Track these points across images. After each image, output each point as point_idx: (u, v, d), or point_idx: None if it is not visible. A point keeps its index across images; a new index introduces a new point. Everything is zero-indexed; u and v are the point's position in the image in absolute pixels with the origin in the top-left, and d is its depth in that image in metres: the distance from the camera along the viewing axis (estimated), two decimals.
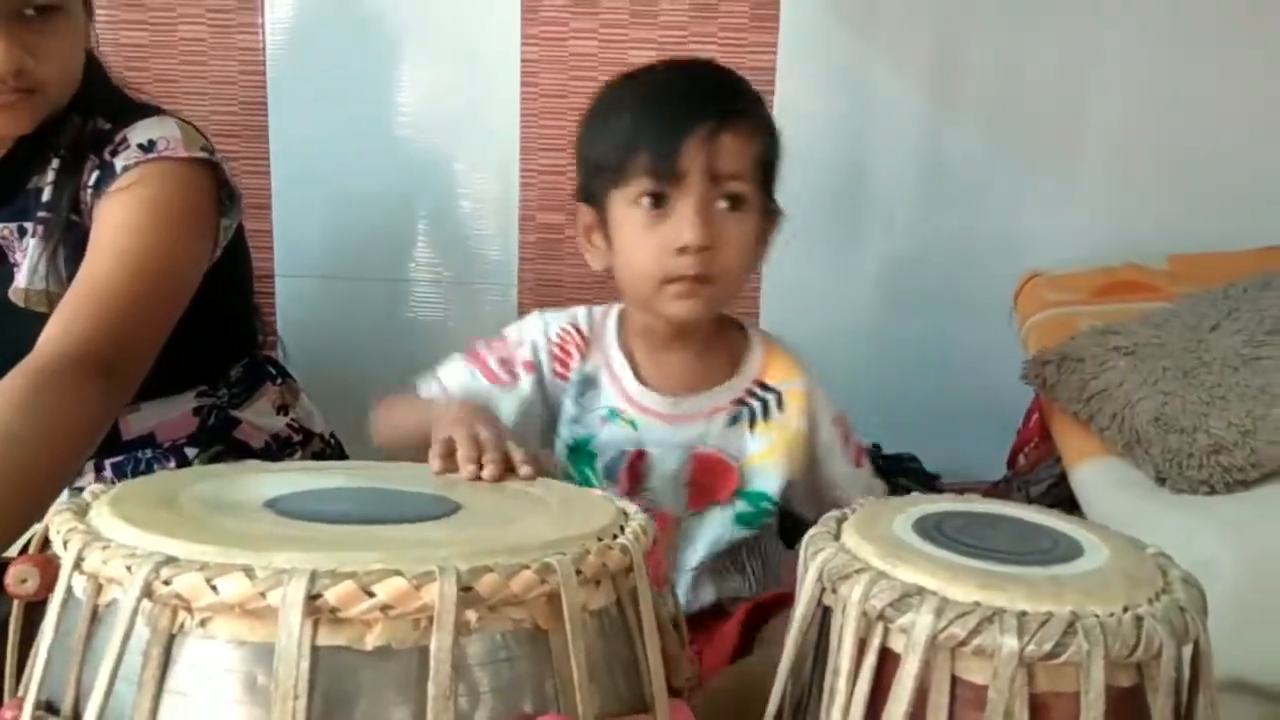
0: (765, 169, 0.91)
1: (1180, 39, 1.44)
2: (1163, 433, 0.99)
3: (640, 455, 0.94)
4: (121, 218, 0.94)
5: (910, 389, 1.53)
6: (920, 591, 0.54)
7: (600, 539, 0.57)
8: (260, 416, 1.16)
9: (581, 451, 0.95)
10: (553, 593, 0.52)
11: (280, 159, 1.54)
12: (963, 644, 0.52)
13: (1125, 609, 0.53)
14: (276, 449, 1.15)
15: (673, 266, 0.87)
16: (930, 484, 1.44)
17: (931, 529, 0.61)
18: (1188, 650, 0.55)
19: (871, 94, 1.50)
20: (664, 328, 0.94)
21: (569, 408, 0.95)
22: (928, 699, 0.53)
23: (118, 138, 0.98)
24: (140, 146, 0.97)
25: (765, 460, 0.95)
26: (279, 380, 1.20)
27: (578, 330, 0.96)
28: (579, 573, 0.53)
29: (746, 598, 0.95)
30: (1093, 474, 1.04)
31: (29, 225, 0.99)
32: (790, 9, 1.45)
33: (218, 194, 1.01)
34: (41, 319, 0.91)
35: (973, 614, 0.52)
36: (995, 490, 1.28)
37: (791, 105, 1.45)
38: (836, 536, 0.61)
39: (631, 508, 0.66)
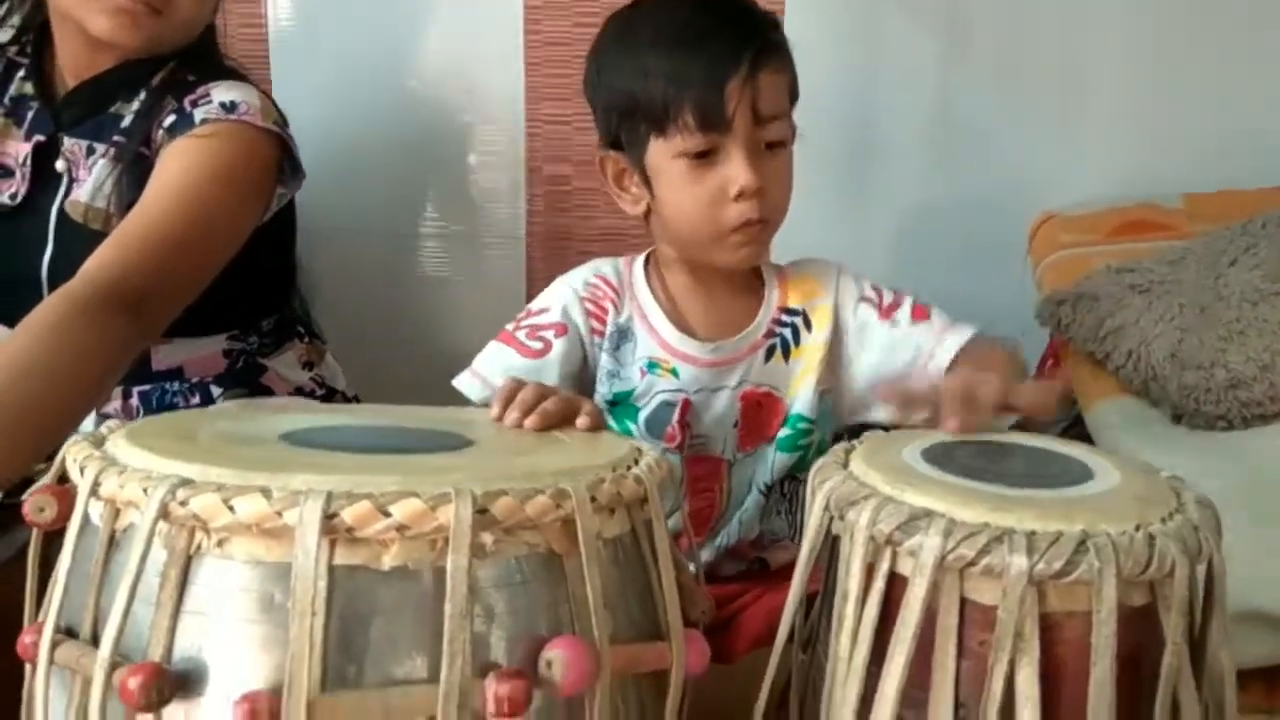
0: (793, 96, 0.90)
1: None
2: (1179, 369, 0.98)
3: (687, 404, 0.92)
4: (187, 163, 0.96)
5: None
6: (928, 514, 0.54)
7: (615, 469, 0.58)
8: (287, 368, 1.17)
9: (623, 405, 0.93)
10: (567, 518, 0.52)
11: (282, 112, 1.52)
12: (971, 564, 0.52)
13: (1137, 527, 0.53)
14: None
15: (730, 213, 0.86)
16: None
17: (940, 456, 0.61)
18: (1201, 569, 0.55)
19: (880, 39, 1.48)
20: (704, 271, 0.93)
21: (605, 362, 0.93)
22: (936, 621, 0.53)
23: (200, 90, 1.01)
24: (223, 105, 0.99)
25: (801, 382, 0.94)
26: (306, 339, 1.21)
27: (607, 283, 0.95)
28: (593, 500, 0.54)
29: (785, 541, 0.94)
30: (1109, 413, 1.03)
31: (100, 146, 1.02)
32: None
33: (281, 165, 1.04)
34: (92, 236, 0.94)
35: (981, 534, 0.52)
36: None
37: (798, 50, 1.43)
38: (844, 465, 0.61)
39: (645, 444, 0.66)
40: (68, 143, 1.02)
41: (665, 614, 0.58)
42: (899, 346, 0.92)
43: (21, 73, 1.05)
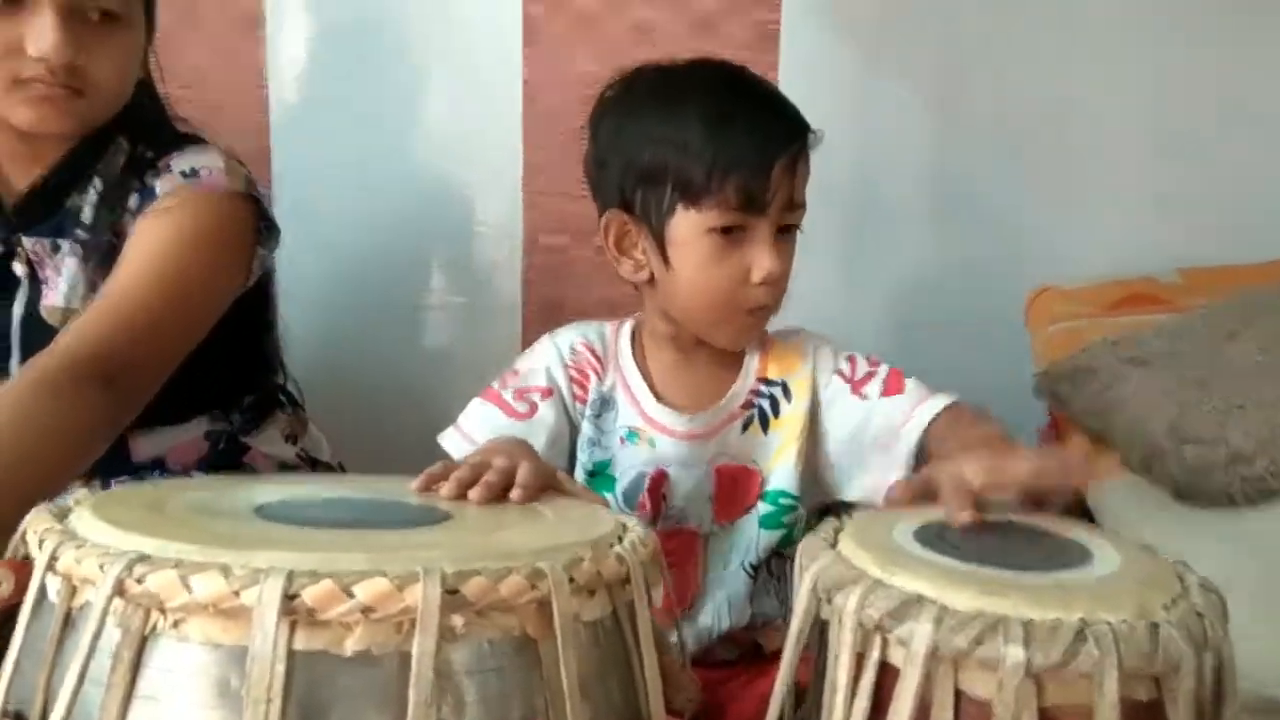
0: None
1: (1186, 55, 1.43)
2: (1179, 443, 0.96)
3: (661, 475, 0.91)
4: (154, 237, 0.95)
5: None
6: (919, 600, 0.51)
7: (595, 547, 0.56)
8: (270, 444, 1.15)
9: (601, 476, 0.92)
10: (543, 599, 0.50)
11: (282, 185, 1.54)
12: (965, 655, 0.49)
13: (1140, 615, 0.51)
14: None
15: (749, 296, 0.87)
16: None
17: (933, 537, 0.59)
18: (1209, 660, 0.52)
19: (875, 114, 1.49)
20: (692, 344, 0.93)
21: (587, 430, 0.92)
22: (930, 716, 0.51)
23: (161, 164, 0.99)
24: (183, 174, 0.98)
25: (781, 456, 0.92)
26: (289, 409, 1.19)
27: (590, 349, 0.94)
28: (571, 580, 0.52)
29: (778, 621, 0.92)
30: (1110, 492, 1.01)
31: (64, 243, 0.99)
32: (791, 29, 1.44)
33: (256, 226, 1.02)
34: None
35: (975, 622, 0.49)
36: None
37: None
38: (833, 545, 0.59)
39: (631, 520, 0.64)
40: (28, 243, 0.99)
41: (647, 702, 0.56)
42: (869, 422, 0.90)
43: None
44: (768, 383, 0.94)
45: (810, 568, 0.57)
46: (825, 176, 1.45)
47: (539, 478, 0.68)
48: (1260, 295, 1.13)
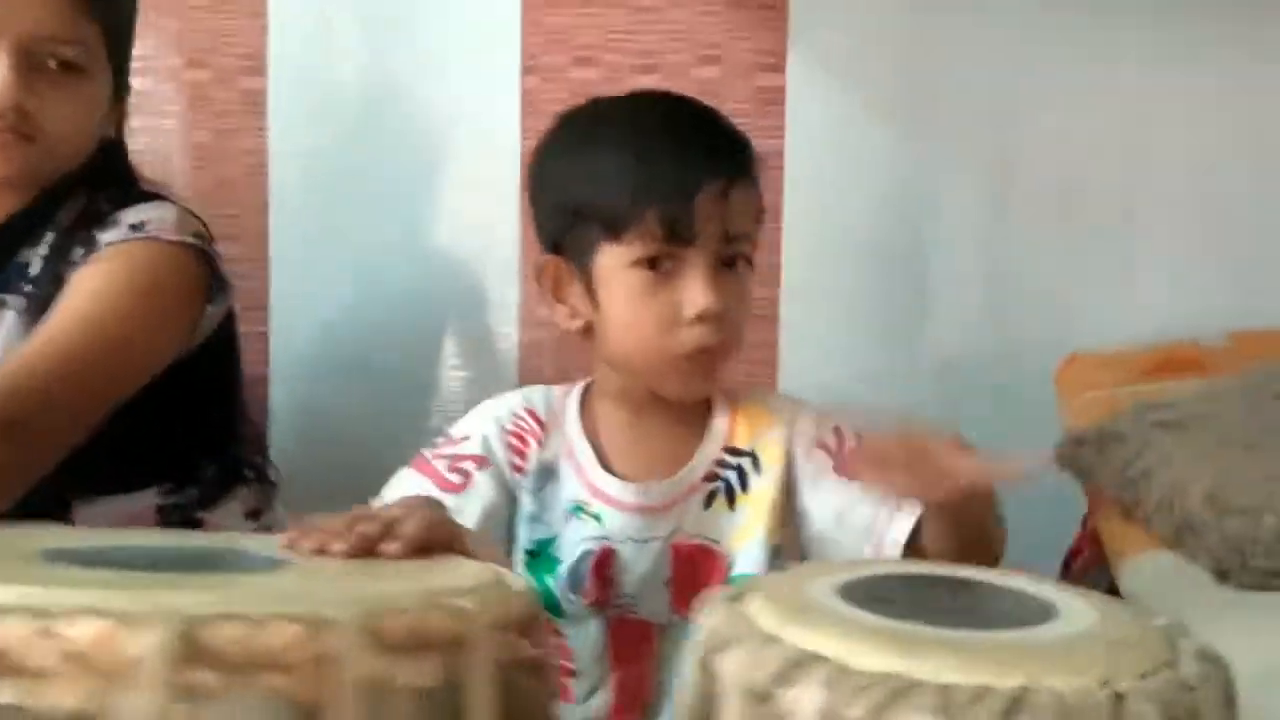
0: (760, 219, 0.83)
1: (1235, 113, 1.33)
2: (1219, 516, 0.82)
3: (608, 553, 0.80)
4: (87, 286, 0.90)
5: None
6: (814, 658, 0.40)
7: (427, 597, 0.45)
8: (228, 519, 1.07)
9: (542, 556, 0.82)
10: (327, 656, 0.40)
11: (279, 261, 1.51)
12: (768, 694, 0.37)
13: (1103, 684, 0.38)
14: None
15: (684, 337, 0.77)
16: None
17: (860, 590, 0.47)
18: None
19: (920, 176, 1.40)
20: (645, 402, 0.83)
21: (526, 504, 0.82)
22: None
23: (111, 217, 0.95)
24: (131, 226, 0.94)
25: (748, 535, 0.81)
26: (255, 481, 1.12)
27: (532, 414, 0.85)
28: (375, 633, 0.41)
29: None
30: (1140, 571, 0.87)
31: (9, 297, 0.95)
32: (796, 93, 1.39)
33: (207, 281, 0.97)
34: None
35: (877, 686, 0.38)
36: None
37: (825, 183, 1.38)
38: (739, 599, 0.48)
39: (513, 576, 0.54)
40: None
41: None
42: (855, 507, 0.79)
43: None
44: (735, 452, 0.83)
45: (705, 625, 0.46)
46: (865, 248, 1.42)
47: (429, 532, 0.58)
48: None
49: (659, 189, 0.76)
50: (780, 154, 1.40)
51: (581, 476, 0.82)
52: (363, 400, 1.51)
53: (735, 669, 0.41)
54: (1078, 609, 0.46)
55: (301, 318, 1.51)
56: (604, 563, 0.80)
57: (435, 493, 0.80)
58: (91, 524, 0.96)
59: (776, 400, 0.87)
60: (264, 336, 1.50)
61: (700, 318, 0.76)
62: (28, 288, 0.94)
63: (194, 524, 1.03)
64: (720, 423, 0.84)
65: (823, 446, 0.82)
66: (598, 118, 0.84)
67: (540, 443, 0.83)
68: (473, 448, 0.83)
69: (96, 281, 0.90)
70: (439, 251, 1.50)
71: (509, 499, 0.82)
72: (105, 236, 0.93)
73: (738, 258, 0.79)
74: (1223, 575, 0.81)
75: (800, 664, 0.39)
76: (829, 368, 1.41)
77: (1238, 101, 1.32)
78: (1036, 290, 1.37)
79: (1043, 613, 0.45)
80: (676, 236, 0.76)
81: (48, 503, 0.88)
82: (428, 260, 1.49)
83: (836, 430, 0.83)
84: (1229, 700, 0.42)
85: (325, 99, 1.49)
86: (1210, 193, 1.34)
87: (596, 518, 0.81)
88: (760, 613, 0.45)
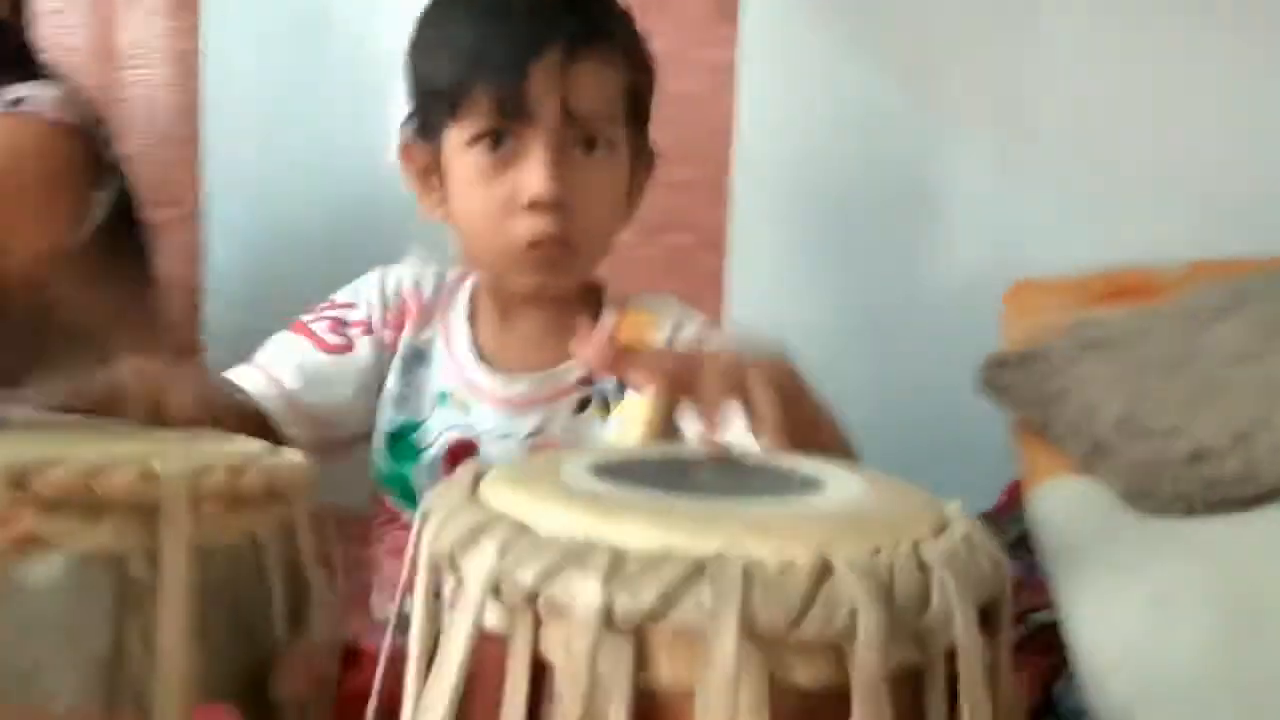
0: (635, 102, 0.76)
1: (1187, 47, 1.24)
2: (1129, 438, 0.75)
3: (466, 446, 0.77)
4: None
5: (886, 431, 1.31)
6: (499, 520, 0.35)
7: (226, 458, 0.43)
8: None
9: (403, 442, 0.78)
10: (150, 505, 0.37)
11: (213, 164, 1.47)
12: (531, 598, 0.32)
13: (817, 555, 0.33)
14: None
15: (521, 226, 0.72)
16: None
17: (614, 466, 0.42)
18: (941, 646, 0.34)
19: (846, 88, 1.33)
20: (510, 294, 0.78)
21: (392, 386, 0.79)
22: (497, 688, 0.33)
23: None
24: (9, 102, 0.91)
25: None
26: None
27: (416, 294, 0.81)
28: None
29: None
30: (1048, 497, 0.80)
31: None
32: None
33: (89, 164, 0.94)
34: None
35: (552, 548, 0.32)
36: None
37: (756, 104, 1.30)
38: (472, 491, 0.42)
39: (290, 452, 0.50)
40: None
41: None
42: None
43: None
44: None
45: (430, 523, 0.40)
46: (782, 159, 1.35)
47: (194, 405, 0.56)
48: (1269, 276, 0.91)
49: (489, 59, 0.70)
50: (731, 67, 1.33)
51: (454, 363, 0.79)
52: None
53: (429, 538, 0.36)
54: (849, 485, 0.40)
55: (235, 223, 1.48)
56: (462, 454, 0.76)
57: (313, 355, 0.77)
58: None
59: (666, 306, 0.82)
60: (193, 246, 1.46)
61: (534, 204, 0.70)
62: None
63: None
64: (606, 326, 0.79)
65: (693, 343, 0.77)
66: None
67: (416, 324, 0.80)
68: (358, 314, 0.80)
69: None
70: (376, 170, 1.45)
71: (381, 373, 0.79)
72: None
73: (596, 140, 0.73)
74: (1132, 500, 0.74)
75: (485, 527, 0.34)
76: (778, 300, 1.35)
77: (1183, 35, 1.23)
78: (987, 222, 1.30)
79: (804, 486, 0.40)
80: (509, 113, 0.70)
81: None
82: (367, 175, 1.45)
83: (710, 327, 0.78)
84: (993, 582, 0.36)
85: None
86: (1169, 110, 1.25)
87: (464, 407, 0.77)
88: (488, 484, 0.40)
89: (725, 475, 0.42)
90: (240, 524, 0.44)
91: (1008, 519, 0.98)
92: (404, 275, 0.82)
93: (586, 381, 0.78)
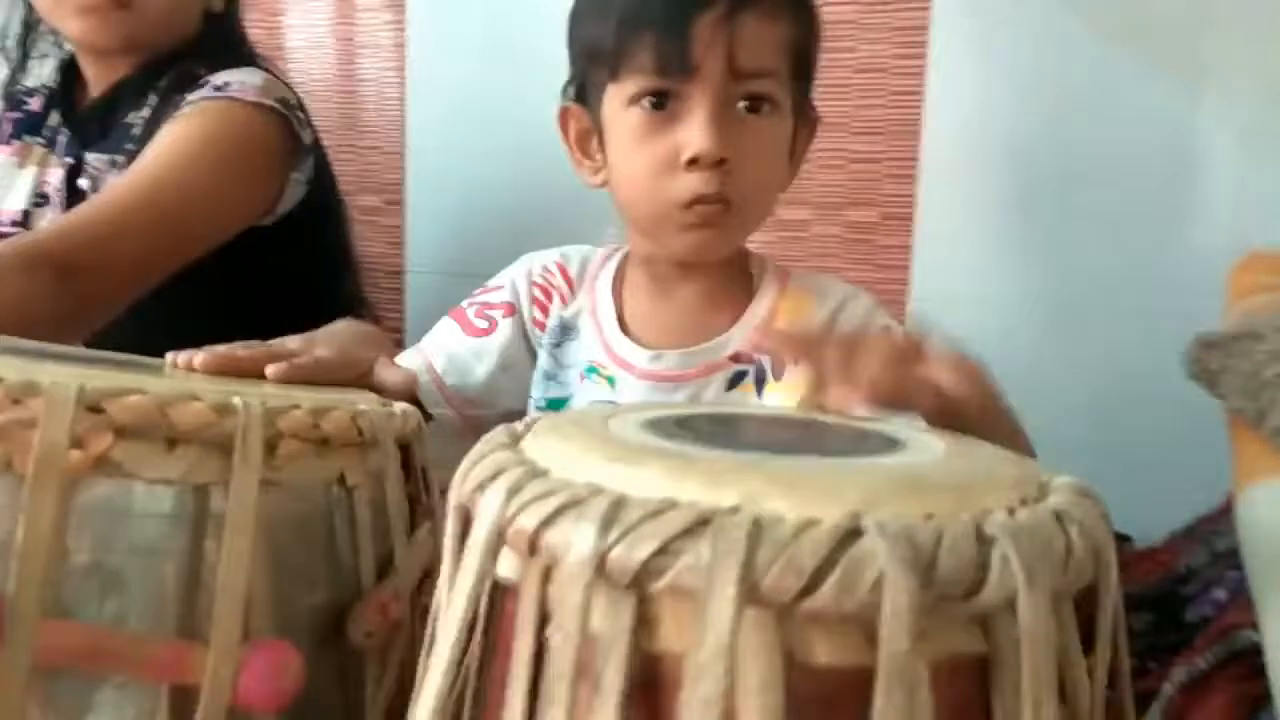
0: (799, 59, 0.73)
1: None
2: None
3: None
4: (160, 142, 0.94)
5: (1094, 422, 1.19)
6: (514, 464, 0.33)
7: (318, 404, 0.45)
8: None
9: None
10: (226, 439, 0.40)
11: (417, 154, 1.54)
12: (533, 545, 0.30)
13: (852, 517, 0.28)
14: None
15: (681, 184, 0.69)
16: (1118, 545, 1.09)
17: (670, 422, 0.39)
18: (1013, 636, 0.28)
19: (1051, 59, 1.21)
20: (666, 262, 0.77)
21: (544, 361, 0.80)
22: (511, 640, 0.31)
23: (202, 80, 0.99)
24: (215, 87, 0.97)
25: None
26: None
27: (563, 271, 0.81)
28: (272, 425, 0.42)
29: None
30: (1256, 503, 0.69)
31: (120, 158, 1.02)
32: None
33: (287, 146, 1.00)
34: None
35: (553, 495, 0.30)
36: (1173, 544, 0.92)
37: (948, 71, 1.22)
38: (515, 443, 0.40)
39: (402, 406, 0.51)
40: (90, 159, 1.03)
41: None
42: None
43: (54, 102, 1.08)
44: None
45: (469, 472, 0.36)
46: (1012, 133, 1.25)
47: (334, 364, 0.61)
48: None
49: (650, 14, 0.67)
50: (924, 27, 1.24)
51: (600, 336, 0.78)
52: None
53: (457, 481, 0.35)
54: (934, 448, 0.35)
55: (437, 209, 1.54)
56: None
57: (459, 338, 0.80)
58: None
59: (829, 284, 0.78)
60: (399, 230, 1.53)
61: (694, 161, 0.68)
62: (130, 146, 1.00)
63: None
64: (763, 303, 0.76)
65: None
66: None
67: (565, 300, 0.80)
68: (502, 296, 0.81)
69: (166, 138, 0.93)
70: None
71: (529, 351, 0.81)
72: (191, 96, 0.97)
73: (761, 99, 0.70)
74: None
75: (498, 471, 0.33)
76: (968, 280, 1.25)
77: None
78: (1223, 193, 1.15)
79: (881, 446, 0.35)
80: (670, 69, 0.67)
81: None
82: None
83: (886, 329, 0.73)
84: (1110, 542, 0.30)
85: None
86: None
87: (610, 381, 0.76)
88: (534, 432, 0.38)
89: (793, 432, 0.38)
90: (327, 466, 0.45)
91: (1221, 527, 0.87)
92: (550, 257, 0.83)
93: (740, 358, 0.75)
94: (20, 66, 1.11)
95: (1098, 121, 1.17)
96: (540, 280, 0.81)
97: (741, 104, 0.69)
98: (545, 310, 0.80)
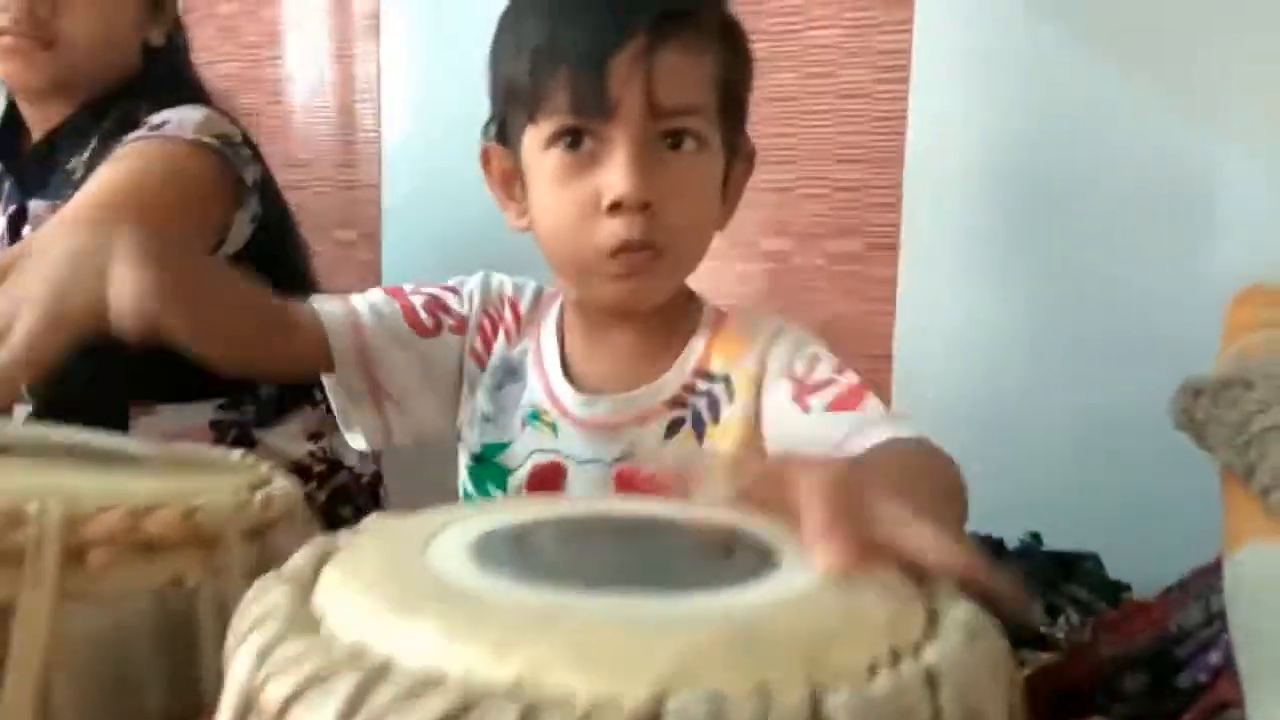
0: (728, 92, 0.67)
1: None
2: None
3: (557, 470, 0.71)
4: (90, 186, 0.89)
5: (1089, 462, 1.13)
6: (276, 610, 0.27)
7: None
8: (283, 440, 1.06)
9: (489, 464, 0.73)
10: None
11: (393, 187, 1.51)
12: (282, 716, 0.25)
13: (655, 698, 0.23)
14: None
15: (604, 230, 0.64)
16: (1114, 594, 1.03)
17: (506, 545, 0.33)
18: None
19: (1042, 81, 1.16)
20: (597, 306, 0.72)
21: (482, 403, 0.74)
22: None
23: (145, 121, 0.95)
24: (151, 126, 0.93)
25: None
26: (321, 402, 1.11)
27: (514, 307, 0.76)
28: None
29: None
30: (1242, 565, 0.63)
31: (58, 203, 0.98)
32: None
33: (228, 183, 0.95)
34: None
35: (309, 657, 0.25)
36: (1167, 599, 0.86)
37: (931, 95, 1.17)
38: (315, 568, 0.33)
39: (265, 491, 0.46)
40: (33, 206, 0.99)
41: None
42: (805, 441, 0.63)
43: None
44: (708, 377, 0.70)
45: (244, 619, 0.29)
46: (957, 155, 1.19)
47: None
48: None
49: (564, 51, 0.62)
50: (906, 53, 1.19)
51: (544, 381, 0.73)
52: None
53: (240, 676, 0.29)
54: (803, 576, 0.30)
55: (413, 243, 1.50)
56: (550, 478, 0.70)
57: (395, 322, 0.73)
58: (147, 435, 0.98)
59: (758, 322, 0.72)
60: (375, 264, 1.50)
61: (616, 206, 0.63)
62: (70, 192, 0.95)
63: (249, 442, 1.03)
64: (698, 343, 0.71)
65: (789, 374, 0.67)
66: None
67: (509, 338, 0.75)
68: (458, 305, 0.75)
69: (95, 182, 0.89)
70: None
71: (459, 378, 0.75)
72: (128, 137, 0.93)
73: (684, 135, 0.64)
74: None
75: (263, 618, 0.27)
76: (958, 312, 1.19)
77: None
78: (1242, 221, 1.09)
79: (744, 572, 0.29)
80: (586, 109, 0.62)
81: (107, 411, 0.90)
82: None
83: (813, 359, 0.67)
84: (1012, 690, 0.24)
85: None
86: None
87: (553, 428, 0.71)
88: (342, 551, 0.32)
89: (646, 550, 0.32)
90: (155, 570, 0.40)
91: (1217, 583, 0.80)
92: (508, 284, 0.77)
93: (677, 402, 0.69)
94: None
95: (1089, 145, 1.11)
96: (493, 311, 0.76)
97: (666, 142, 0.64)
98: (489, 346, 0.74)
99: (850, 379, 0.66)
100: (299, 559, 0.31)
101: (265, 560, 0.45)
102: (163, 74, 1.02)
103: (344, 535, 0.33)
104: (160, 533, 0.39)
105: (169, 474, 0.49)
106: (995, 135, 1.18)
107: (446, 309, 0.75)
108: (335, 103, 1.50)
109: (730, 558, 0.31)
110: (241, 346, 0.67)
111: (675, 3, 0.64)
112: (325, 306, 0.73)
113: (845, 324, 1.23)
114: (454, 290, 0.76)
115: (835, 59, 1.22)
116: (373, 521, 0.34)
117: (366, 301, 0.74)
